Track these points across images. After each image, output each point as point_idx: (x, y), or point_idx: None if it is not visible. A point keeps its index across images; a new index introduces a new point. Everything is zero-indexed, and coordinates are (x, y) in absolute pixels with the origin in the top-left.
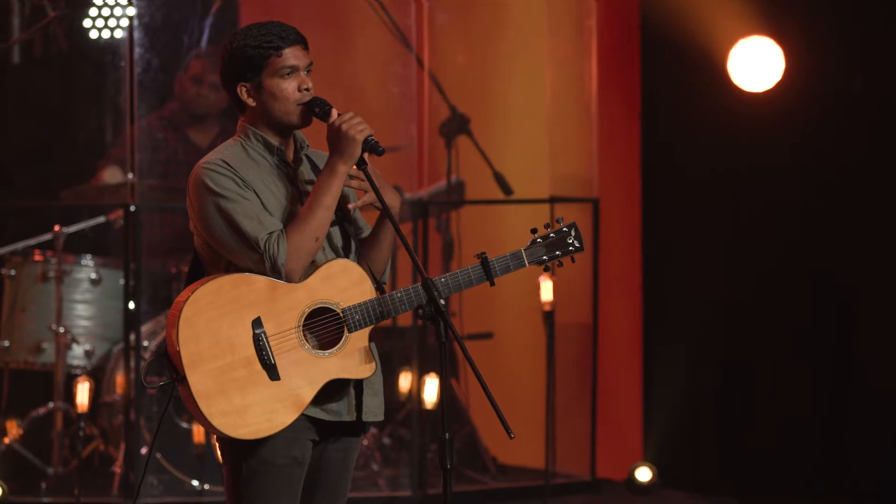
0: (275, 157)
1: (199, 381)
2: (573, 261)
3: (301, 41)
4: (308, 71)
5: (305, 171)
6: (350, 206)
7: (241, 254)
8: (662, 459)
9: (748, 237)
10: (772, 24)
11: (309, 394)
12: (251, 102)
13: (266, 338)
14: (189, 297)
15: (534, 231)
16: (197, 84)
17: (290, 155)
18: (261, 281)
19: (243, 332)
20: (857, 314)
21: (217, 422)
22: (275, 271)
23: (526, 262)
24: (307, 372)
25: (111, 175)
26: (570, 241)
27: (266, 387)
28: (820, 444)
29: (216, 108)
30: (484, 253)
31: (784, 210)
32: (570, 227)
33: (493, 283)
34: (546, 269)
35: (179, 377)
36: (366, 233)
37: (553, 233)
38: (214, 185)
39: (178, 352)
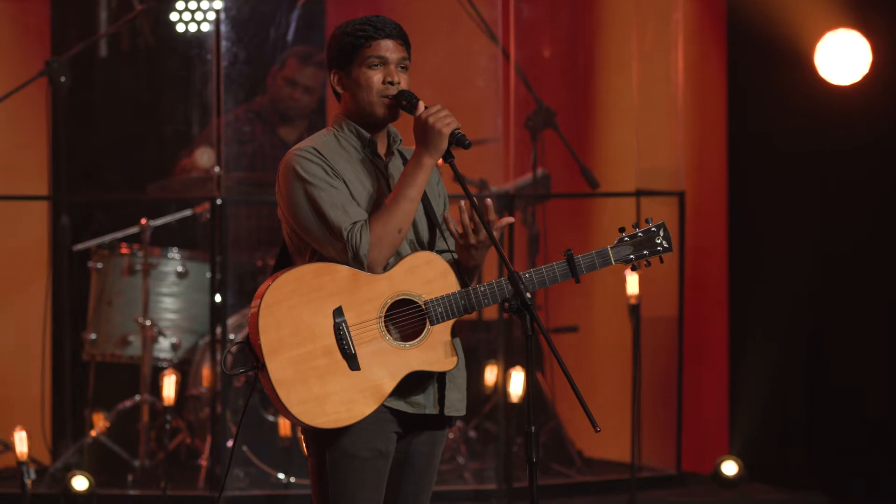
0: (367, 149)
1: (278, 368)
2: (661, 261)
3: (397, 36)
4: (402, 67)
5: (396, 165)
6: (444, 214)
7: (324, 242)
8: (749, 453)
9: (835, 231)
10: (859, 17)
11: (389, 385)
12: (340, 90)
13: (347, 327)
14: (271, 284)
15: (622, 230)
16: (291, 85)
17: (383, 149)
18: (343, 270)
19: (324, 321)
20: None
21: (296, 410)
22: (357, 261)
23: (612, 259)
24: (388, 363)
25: (204, 155)
26: (659, 241)
27: (346, 376)
28: None
29: (306, 111)
30: (570, 250)
31: (872, 204)
32: (658, 226)
33: (578, 280)
34: (634, 269)
35: (259, 365)
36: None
37: (641, 232)
38: (304, 171)
39: (259, 339)
